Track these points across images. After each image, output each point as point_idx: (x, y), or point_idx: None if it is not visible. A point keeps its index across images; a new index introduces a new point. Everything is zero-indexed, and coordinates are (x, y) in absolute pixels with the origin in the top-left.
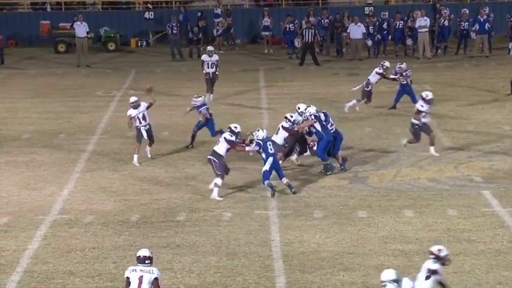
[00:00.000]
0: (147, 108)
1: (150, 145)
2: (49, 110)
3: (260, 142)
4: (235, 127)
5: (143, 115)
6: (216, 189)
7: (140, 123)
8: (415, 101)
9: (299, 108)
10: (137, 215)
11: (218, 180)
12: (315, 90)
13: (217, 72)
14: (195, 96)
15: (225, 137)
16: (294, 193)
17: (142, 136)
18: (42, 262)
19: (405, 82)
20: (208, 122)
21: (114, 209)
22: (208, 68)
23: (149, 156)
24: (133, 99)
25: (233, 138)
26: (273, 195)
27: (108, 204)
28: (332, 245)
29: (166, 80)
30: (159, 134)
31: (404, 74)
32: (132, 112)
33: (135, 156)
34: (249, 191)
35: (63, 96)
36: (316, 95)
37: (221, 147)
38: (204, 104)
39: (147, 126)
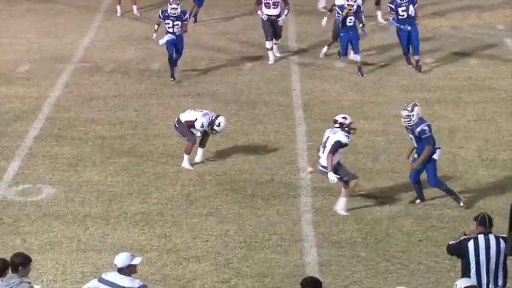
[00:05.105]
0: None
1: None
2: None
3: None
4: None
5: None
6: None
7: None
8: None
9: None
10: (158, 63)
11: None
12: None
13: None
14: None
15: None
16: None
17: None
18: (64, 109)
19: None
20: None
21: (135, 58)
22: None
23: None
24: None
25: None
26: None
27: (129, 53)
28: (352, 94)
29: None
30: None
31: None
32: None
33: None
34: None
35: None
36: None
37: None
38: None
39: None
